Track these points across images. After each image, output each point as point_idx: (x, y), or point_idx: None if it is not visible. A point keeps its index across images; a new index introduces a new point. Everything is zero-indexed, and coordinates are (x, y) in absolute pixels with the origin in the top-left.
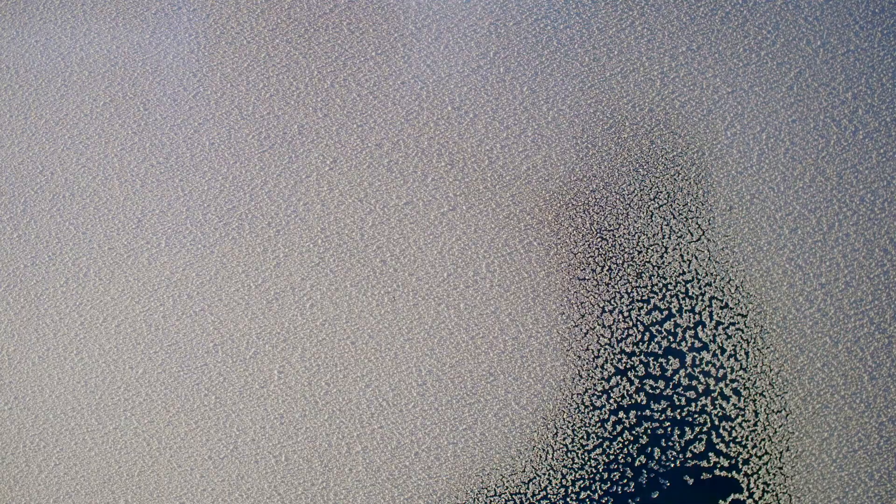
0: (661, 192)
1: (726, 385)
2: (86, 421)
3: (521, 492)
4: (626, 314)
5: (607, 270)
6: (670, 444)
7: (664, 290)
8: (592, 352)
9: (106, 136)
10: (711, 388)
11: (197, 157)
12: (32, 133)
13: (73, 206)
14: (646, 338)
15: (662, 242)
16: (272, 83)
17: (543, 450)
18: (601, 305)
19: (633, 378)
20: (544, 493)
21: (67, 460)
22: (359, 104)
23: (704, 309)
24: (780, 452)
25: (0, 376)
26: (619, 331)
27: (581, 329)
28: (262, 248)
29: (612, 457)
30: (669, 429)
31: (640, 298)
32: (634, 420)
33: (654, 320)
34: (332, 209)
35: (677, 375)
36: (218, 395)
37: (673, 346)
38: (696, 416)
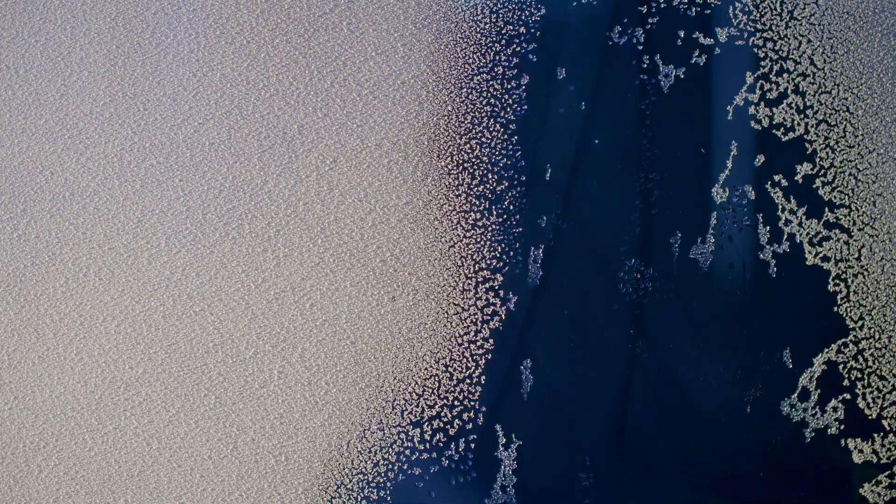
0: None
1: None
2: (86, 421)
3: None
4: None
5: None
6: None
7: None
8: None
9: (106, 136)
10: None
11: (197, 157)
12: (32, 133)
13: (73, 206)
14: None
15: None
16: (272, 83)
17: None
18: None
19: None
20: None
21: (67, 460)
22: (359, 104)
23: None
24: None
25: (0, 376)
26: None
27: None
28: (262, 248)
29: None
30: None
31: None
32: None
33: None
34: (332, 209)
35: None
36: (218, 395)
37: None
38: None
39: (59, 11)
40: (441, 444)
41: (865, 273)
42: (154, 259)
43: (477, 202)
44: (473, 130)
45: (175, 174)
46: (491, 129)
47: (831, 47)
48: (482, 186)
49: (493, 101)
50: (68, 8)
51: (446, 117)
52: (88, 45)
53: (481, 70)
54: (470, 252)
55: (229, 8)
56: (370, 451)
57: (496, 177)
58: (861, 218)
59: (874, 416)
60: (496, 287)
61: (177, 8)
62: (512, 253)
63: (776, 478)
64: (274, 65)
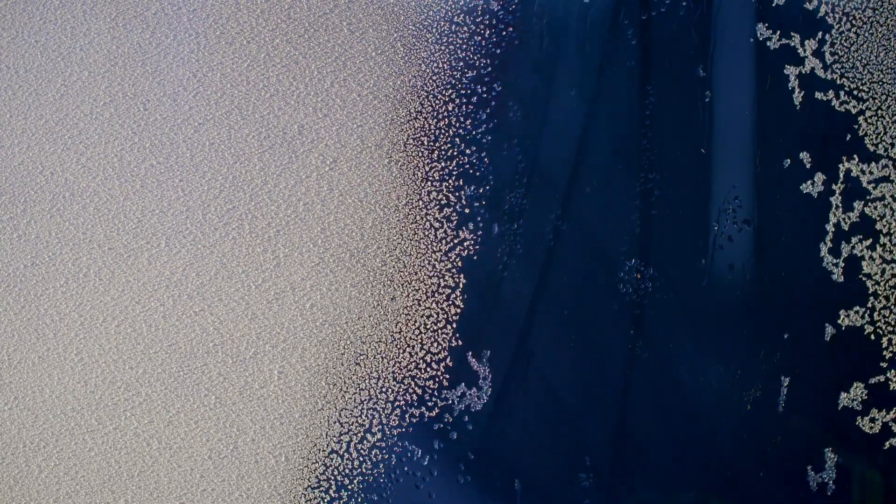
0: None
1: None
2: (86, 421)
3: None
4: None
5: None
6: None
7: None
8: None
9: (106, 136)
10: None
11: (197, 157)
12: (32, 133)
13: (73, 206)
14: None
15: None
16: (272, 83)
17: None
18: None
19: None
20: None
21: (67, 460)
22: (359, 104)
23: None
24: None
25: (0, 376)
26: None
27: None
28: (262, 248)
29: None
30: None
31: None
32: None
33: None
34: (332, 209)
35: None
36: (218, 395)
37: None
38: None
39: (59, 11)
40: (441, 446)
41: (866, 275)
42: (154, 259)
43: (477, 203)
44: (474, 132)
45: (175, 174)
46: (491, 131)
47: (832, 49)
48: (483, 188)
49: (493, 102)
50: (68, 8)
51: (447, 118)
52: (88, 45)
53: (483, 71)
54: (470, 253)
55: (229, 8)
56: (371, 453)
57: (497, 178)
58: (861, 223)
59: (878, 429)
60: (497, 288)
61: (177, 8)
62: (512, 254)
63: (776, 478)
64: (274, 65)
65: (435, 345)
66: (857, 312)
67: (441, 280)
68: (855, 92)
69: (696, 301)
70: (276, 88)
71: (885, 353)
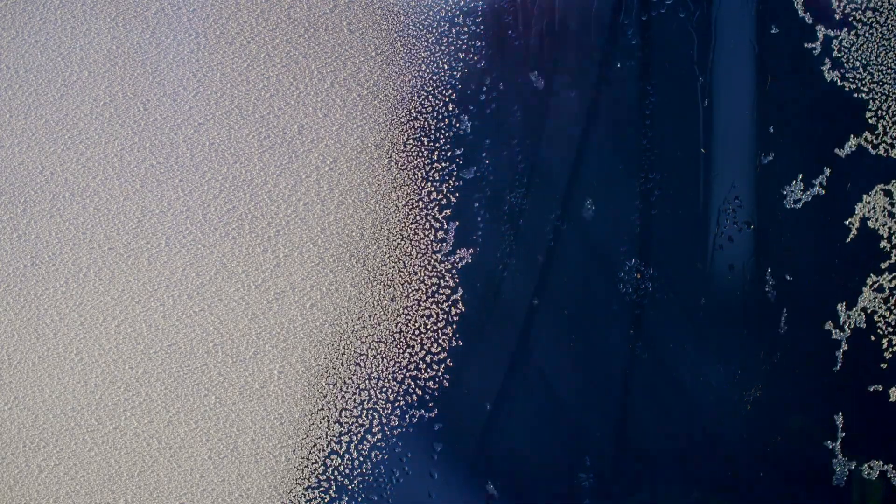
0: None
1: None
2: (86, 421)
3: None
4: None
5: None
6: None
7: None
8: None
9: (106, 136)
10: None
11: (197, 157)
12: (32, 133)
13: (73, 206)
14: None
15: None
16: (272, 83)
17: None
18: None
19: None
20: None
21: (67, 460)
22: (359, 104)
23: None
24: None
25: (0, 376)
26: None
27: None
28: (262, 248)
29: None
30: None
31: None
32: None
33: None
34: (332, 209)
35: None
36: (218, 395)
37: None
38: None
39: (59, 11)
40: (441, 446)
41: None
42: (154, 259)
43: (478, 204)
44: (475, 132)
45: (175, 174)
46: (492, 131)
47: (835, 50)
48: (483, 188)
49: (493, 103)
50: (68, 8)
51: (447, 118)
52: (88, 45)
53: (483, 72)
54: (470, 253)
55: (229, 8)
56: (371, 453)
57: (497, 178)
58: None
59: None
60: (497, 288)
61: (177, 8)
62: (512, 254)
63: (776, 478)
64: (274, 65)
65: (435, 345)
66: (856, 314)
67: (441, 280)
68: (855, 93)
69: (696, 301)
70: (276, 88)
71: (885, 353)
